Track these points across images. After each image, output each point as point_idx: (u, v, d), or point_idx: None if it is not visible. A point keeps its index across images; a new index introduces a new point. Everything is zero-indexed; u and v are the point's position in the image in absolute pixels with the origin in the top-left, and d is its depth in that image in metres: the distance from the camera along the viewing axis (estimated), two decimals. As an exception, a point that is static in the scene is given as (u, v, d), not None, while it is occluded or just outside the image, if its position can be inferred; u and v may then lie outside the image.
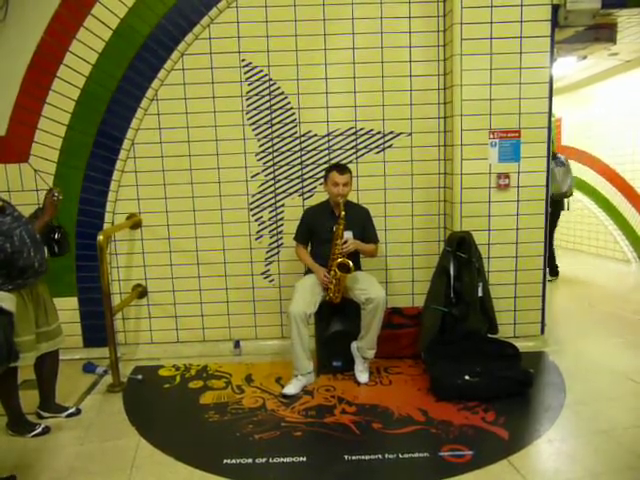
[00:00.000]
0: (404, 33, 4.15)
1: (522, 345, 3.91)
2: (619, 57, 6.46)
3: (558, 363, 4.02)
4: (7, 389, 3.15)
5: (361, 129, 4.26)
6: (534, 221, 4.16)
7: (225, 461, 2.88)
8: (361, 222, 3.89)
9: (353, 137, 4.27)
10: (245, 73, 4.18)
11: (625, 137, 7.26)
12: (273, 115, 4.24)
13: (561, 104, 8.10)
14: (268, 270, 4.43)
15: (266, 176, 4.31)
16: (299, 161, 4.29)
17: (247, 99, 4.21)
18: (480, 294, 3.93)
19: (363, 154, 4.29)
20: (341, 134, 4.27)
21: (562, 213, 6.37)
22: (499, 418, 3.23)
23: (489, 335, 3.97)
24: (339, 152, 4.28)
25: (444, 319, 3.94)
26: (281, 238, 4.37)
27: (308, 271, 3.95)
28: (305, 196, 4.33)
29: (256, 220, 4.36)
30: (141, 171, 4.25)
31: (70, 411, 3.43)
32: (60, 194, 3.26)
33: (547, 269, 4.34)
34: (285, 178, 4.31)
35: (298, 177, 4.31)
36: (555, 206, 5.72)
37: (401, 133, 4.27)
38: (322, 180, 4.11)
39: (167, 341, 4.47)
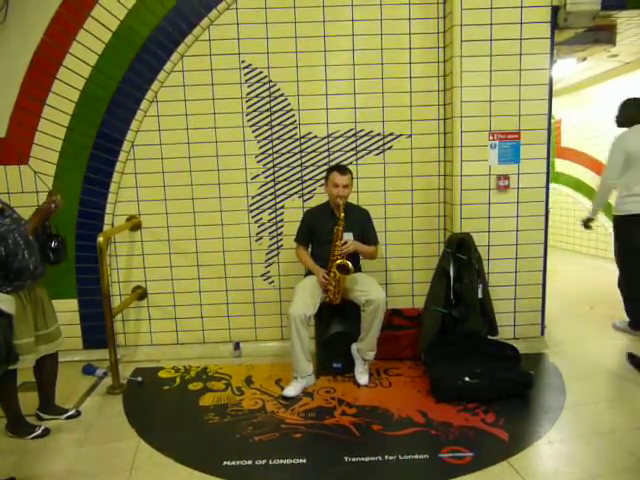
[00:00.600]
0: (404, 35, 4.15)
1: (522, 346, 3.91)
2: (619, 59, 6.45)
3: (558, 365, 4.02)
4: (6, 391, 3.14)
5: (361, 131, 4.27)
6: (534, 223, 4.16)
7: (225, 463, 2.88)
8: (361, 223, 3.90)
9: (353, 139, 4.28)
10: (245, 75, 4.18)
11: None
12: (273, 117, 4.24)
13: (561, 106, 8.10)
14: (268, 272, 4.43)
15: (266, 178, 4.31)
16: (299, 163, 4.29)
17: (247, 101, 4.22)
18: (480, 295, 3.93)
19: (363, 156, 4.30)
20: (341, 136, 4.27)
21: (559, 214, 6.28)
22: (499, 419, 3.23)
23: (489, 336, 3.97)
24: (339, 154, 4.28)
25: (444, 320, 3.94)
26: (281, 240, 4.37)
27: (308, 272, 3.95)
28: (305, 198, 4.33)
29: (256, 222, 4.36)
30: (141, 173, 4.25)
31: (70, 413, 3.43)
32: (60, 201, 3.17)
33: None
34: (285, 180, 4.31)
35: (298, 179, 4.31)
36: None
37: (401, 135, 4.27)
38: (322, 182, 4.11)
39: (167, 343, 4.46)
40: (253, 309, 4.46)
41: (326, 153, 4.28)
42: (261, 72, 4.18)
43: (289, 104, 4.23)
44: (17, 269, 2.94)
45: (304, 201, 4.32)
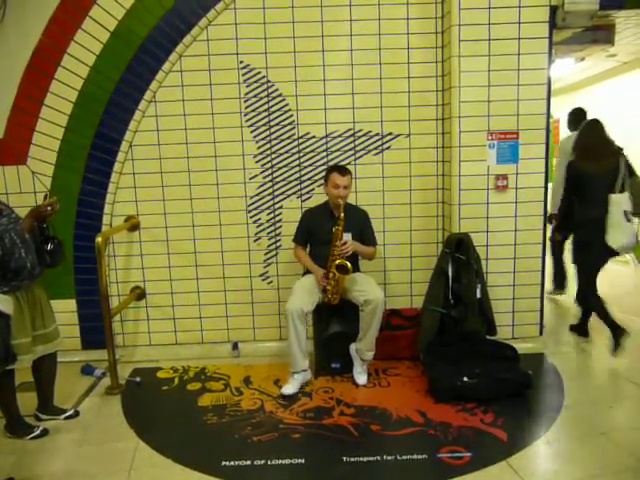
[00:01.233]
0: (402, 35, 4.15)
1: (521, 346, 3.90)
2: (617, 58, 6.47)
3: (557, 365, 4.02)
4: (5, 392, 3.14)
5: (359, 131, 4.26)
6: (532, 222, 4.16)
7: (223, 463, 2.89)
8: (360, 224, 3.89)
9: (351, 139, 4.27)
10: (243, 75, 4.18)
11: (623, 138, 7.25)
12: (271, 117, 4.23)
13: (559, 105, 8.10)
14: (266, 272, 4.42)
15: (264, 178, 4.30)
16: (297, 163, 4.29)
17: (245, 101, 4.21)
18: (479, 295, 3.93)
19: (361, 156, 4.29)
20: (339, 136, 4.27)
21: None
22: (498, 419, 3.23)
23: (488, 337, 3.96)
24: (337, 154, 4.28)
25: (443, 321, 3.93)
26: (279, 240, 4.37)
27: (306, 272, 3.95)
28: (303, 198, 4.32)
29: (254, 222, 4.35)
30: (139, 173, 4.25)
31: (68, 413, 3.43)
32: (56, 204, 3.12)
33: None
34: (283, 180, 4.31)
35: (296, 179, 4.31)
36: None
37: (399, 134, 4.27)
38: (320, 182, 4.11)
39: (165, 343, 4.46)
40: (251, 309, 4.46)
41: (324, 153, 4.28)
42: (259, 72, 4.17)
43: (287, 104, 4.22)
44: (14, 268, 2.94)
45: (302, 201, 4.32)
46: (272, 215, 4.35)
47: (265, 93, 4.20)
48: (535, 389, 3.60)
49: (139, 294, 4.38)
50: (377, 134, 4.27)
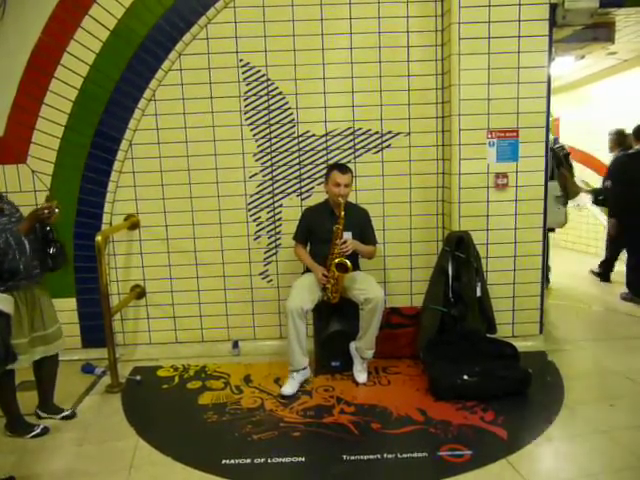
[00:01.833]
0: (402, 33, 4.14)
1: (521, 345, 3.90)
2: (617, 56, 6.46)
3: (557, 363, 4.02)
4: (4, 391, 3.15)
5: (359, 129, 4.26)
6: (532, 220, 4.16)
7: (224, 461, 2.89)
8: (360, 223, 3.89)
9: (351, 137, 4.27)
10: (243, 73, 4.17)
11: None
12: (271, 115, 4.23)
13: (559, 103, 8.10)
14: (266, 270, 4.42)
15: (264, 176, 4.30)
16: (297, 161, 4.29)
17: (245, 99, 4.21)
18: (479, 294, 3.93)
19: (361, 154, 4.29)
20: (339, 134, 4.26)
21: None
22: (498, 418, 3.23)
23: (488, 335, 3.97)
24: (337, 152, 4.28)
25: (443, 319, 3.94)
26: (279, 238, 4.36)
27: (306, 271, 3.95)
28: (303, 196, 4.32)
29: (254, 220, 4.35)
30: (139, 172, 4.25)
31: (64, 414, 3.41)
32: (56, 207, 3.09)
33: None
34: (283, 178, 4.31)
35: (296, 177, 4.31)
36: None
37: (399, 133, 4.27)
38: (320, 180, 4.11)
39: (165, 342, 4.46)
40: (252, 308, 4.46)
41: (324, 152, 4.28)
42: (259, 70, 4.17)
43: (287, 102, 4.22)
44: (8, 269, 2.93)
45: (302, 200, 4.32)
46: (272, 213, 4.34)
47: (265, 91, 4.20)
48: (535, 387, 3.59)
49: (139, 293, 4.38)
50: (377, 132, 4.26)
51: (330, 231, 3.70)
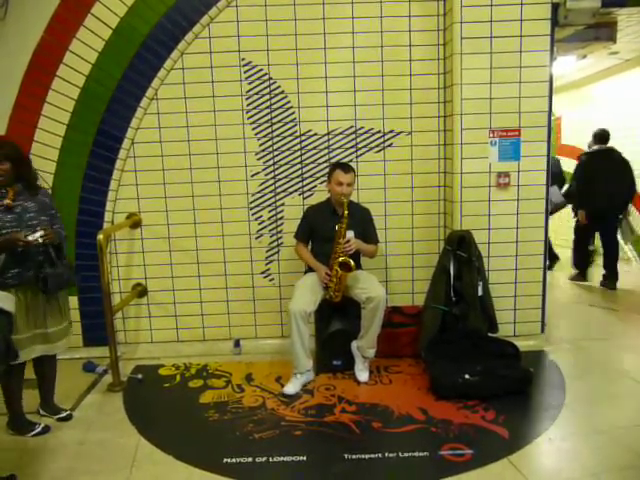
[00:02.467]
0: (404, 32, 4.14)
1: (522, 344, 3.90)
2: (619, 56, 6.45)
3: (558, 362, 4.02)
4: (12, 388, 3.14)
5: (361, 128, 4.26)
6: (534, 220, 4.16)
7: (225, 460, 2.89)
8: (362, 222, 3.89)
9: (353, 136, 4.27)
10: (245, 72, 4.18)
11: (625, 136, 7.24)
12: (273, 114, 4.23)
13: (561, 103, 8.09)
14: (268, 269, 4.42)
15: (266, 175, 4.30)
16: (299, 160, 4.29)
17: (247, 98, 4.21)
18: (480, 293, 3.93)
19: (363, 153, 4.29)
20: (341, 133, 4.26)
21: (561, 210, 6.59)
22: (499, 417, 3.23)
23: (489, 334, 3.97)
24: (339, 151, 4.28)
25: (444, 318, 3.93)
26: (281, 237, 4.37)
27: (308, 270, 3.95)
28: (305, 195, 4.32)
29: (256, 219, 4.35)
30: (141, 170, 4.25)
31: (61, 415, 3.37)
32: (33, 241, 2.87)
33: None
34: (285, 177, 4.31)
35: (298, 176, 4.31)
36: None
37: (401, 132, 4.27)
38: (322, 179, 4.11)
39: (167, 340, 4.46)
40: (253, 306, 4.46)
41: (326, 150, 4.28)
42: (261, 69, 4.17)
43: (289, 101, 4.22)
44: None
45: (304, 198, 4.32)
46: (274, 212, 4.35)
47: (267, 90, 4.20)
48: (536, 386, 3.60)
49: (141, 291, 4.38)
50: (379, 131, 4.26)
51: (332, 230, 3.70)
